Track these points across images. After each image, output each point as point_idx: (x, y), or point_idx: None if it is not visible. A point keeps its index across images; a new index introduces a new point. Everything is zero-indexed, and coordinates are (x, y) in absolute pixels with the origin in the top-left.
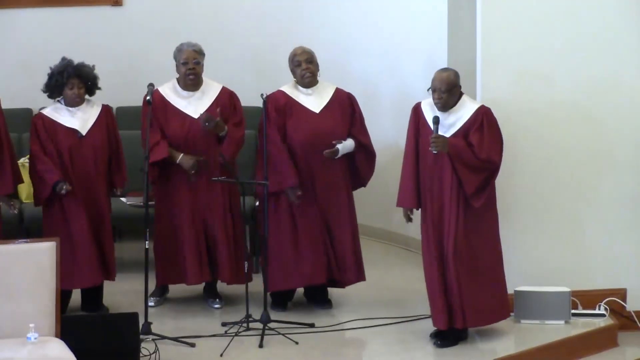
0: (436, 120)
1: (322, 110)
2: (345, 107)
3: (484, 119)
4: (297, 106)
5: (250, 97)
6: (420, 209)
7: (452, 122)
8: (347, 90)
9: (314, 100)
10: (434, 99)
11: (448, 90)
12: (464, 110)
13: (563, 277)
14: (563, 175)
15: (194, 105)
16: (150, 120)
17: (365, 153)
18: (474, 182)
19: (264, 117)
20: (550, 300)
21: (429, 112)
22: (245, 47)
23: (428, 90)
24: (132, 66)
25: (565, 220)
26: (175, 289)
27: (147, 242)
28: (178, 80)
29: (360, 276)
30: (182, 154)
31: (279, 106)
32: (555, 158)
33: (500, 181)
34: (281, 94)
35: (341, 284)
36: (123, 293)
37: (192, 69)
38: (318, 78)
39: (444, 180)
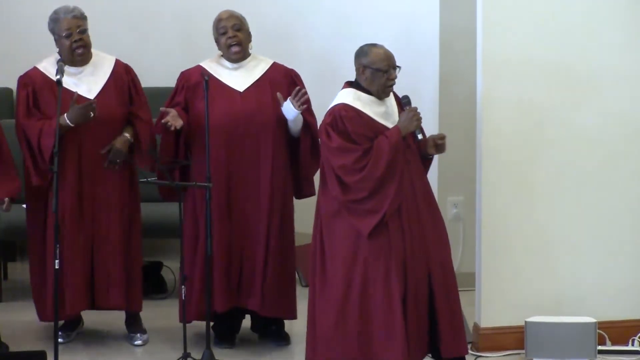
0: (407, 99)
1: (247, 89)
2: (281, 86)
3: None
4: (216, 84)
5: (173, 77)
6: None
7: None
8: (298, 68)
9: (240, 77)
10: (387, 81)
11: None
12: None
13: (586, 305)
14: (584, 177)
15: (86, 83)
16: (27, 105)
17: (311, 138)
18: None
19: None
20: (570, 334)
21: (365, 106)
22: (169, 15)
23: (382, 72)
24: (19, 37)
25: (587, 234)
26: (92, 320)
27: (56, 260)
28: (60, 55)
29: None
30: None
31: (190, 84)
32: (579, 155)
33: (504, 186)
34: (197, 69)
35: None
36: (26, 326)
37: (79, 40)
38: (251, 51)
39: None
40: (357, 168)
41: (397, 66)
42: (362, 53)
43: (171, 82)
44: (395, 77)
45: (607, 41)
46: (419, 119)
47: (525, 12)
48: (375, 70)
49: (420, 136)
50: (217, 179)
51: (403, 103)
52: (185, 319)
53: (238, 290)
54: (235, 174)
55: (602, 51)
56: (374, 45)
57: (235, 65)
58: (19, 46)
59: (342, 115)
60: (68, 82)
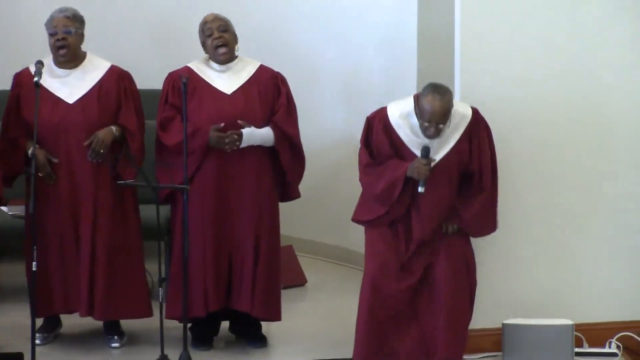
0: (426, 151)
1: (235, 92)
2: (267, 89)
3: (484, 128)
4: (203, 86)
5: (155, 78)
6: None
7: (443, 140)
8: (281, 70)
9: (227, 80)
10: (426, 129)
11: (446, 120)
12: (456, 119)
13: (563, 307)
14: (563, 179)
15: (70, 87)
16: (11, 108)
17: (291, 148)
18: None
19: (160, 99)
20: (548, 336)
21: (405, 128)
22: (149, 16)
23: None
24: (11, 39)
25: (564, 236)
26: (70, 322)
27: (34, 262)
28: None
29: (269, 311)
30: (32, 148)
31: (179, 86)
32: (558, 156)
33: None
34: (185, 70)
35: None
36: (4, 328)
37: (61, 39)
38: (237, 53)
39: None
40: (365, 171)
41: (441, 125)
42: (421, 92)
43: (148, 84)
44: (433, 133)
45: (589, 39)
46: (420, 174)
47: (504, 14)
48: (418, 116)
49: (421, 189)
50: (206, 182)
51: (421, 154)
52: (162, 320)
53: (228, 292)
54: (223, 176)
55: (584, 47)
56: (433, 93)
57: (222, 67)
58: (15, 47)
59: (376, 123)
60: (52, 84)
